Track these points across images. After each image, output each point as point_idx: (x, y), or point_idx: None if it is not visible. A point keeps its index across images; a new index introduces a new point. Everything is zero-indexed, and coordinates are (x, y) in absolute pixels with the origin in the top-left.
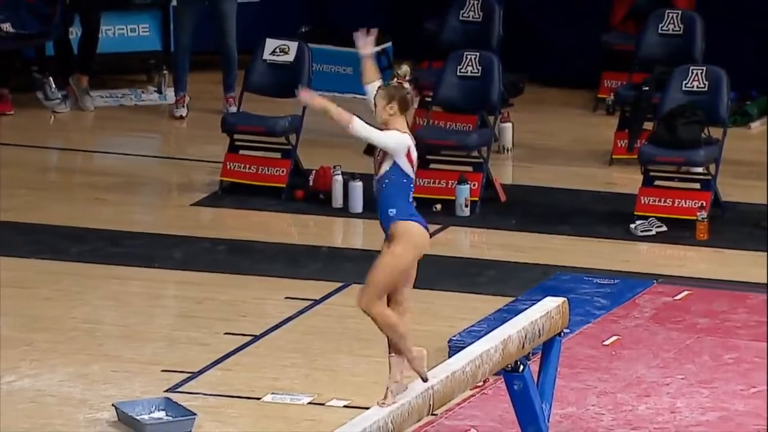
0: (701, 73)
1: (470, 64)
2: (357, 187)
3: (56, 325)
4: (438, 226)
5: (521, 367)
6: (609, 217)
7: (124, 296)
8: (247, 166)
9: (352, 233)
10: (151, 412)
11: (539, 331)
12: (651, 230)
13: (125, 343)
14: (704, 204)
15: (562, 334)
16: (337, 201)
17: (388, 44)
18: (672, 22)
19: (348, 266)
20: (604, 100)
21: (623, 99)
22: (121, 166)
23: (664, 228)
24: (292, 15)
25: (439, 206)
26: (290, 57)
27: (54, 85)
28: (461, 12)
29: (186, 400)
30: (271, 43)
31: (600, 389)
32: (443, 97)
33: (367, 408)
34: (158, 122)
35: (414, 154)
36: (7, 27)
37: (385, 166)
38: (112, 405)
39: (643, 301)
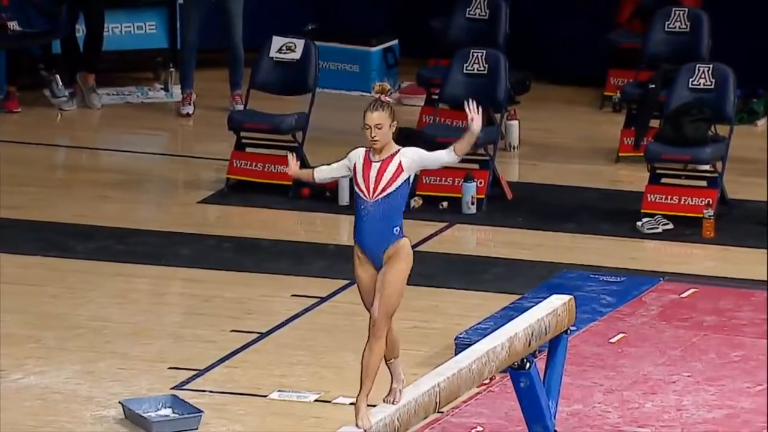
0: (708, 71)
1: (477, 61)
2: None
3: (63, 322)
4: (444, 224)
5: (528, 364)
6: (615, 214)
7: (131, 294)
8: (254, 163)
9: None
10: (158, 410)
11: (546, 329)
12: (657, 228)
13: (132, 341)
14: (711, 202)
15: (569, 331)
16: (344, 199)
17: (395, 42)
18: (678, 19)
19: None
20: (610, 98)
21: (630, 97)
22: (127, 164)
23: (671, 225)
24: (299, 12)
25: (445, 204)
26: (297, 55)
27: (61, 83)
28: (468, 10)
29: (193, 398)
30: (277, 41)
31: (606, 387)
32: (450, 95)
33: (374, 405)
34: (165, 120)
35: None
36: (13, 25)
37: (397, 182)
38: (119, 402)
39: (649, 299)
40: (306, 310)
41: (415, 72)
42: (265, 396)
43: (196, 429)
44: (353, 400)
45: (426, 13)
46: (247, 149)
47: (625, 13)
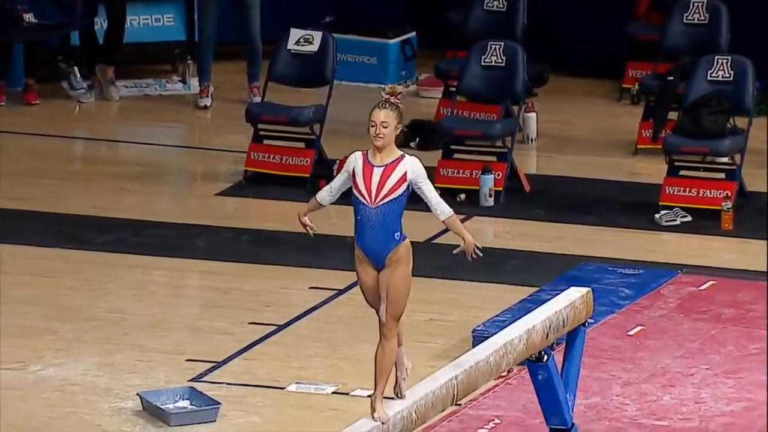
0: (726, 63)
1: (494, 54)
2: None
3: (81, 314)
4: (462, 216)
5: (545, 357)
6: (633, 207)
7: (149, 286)
8: (271, 155)
9: None
10: (176, 402)
11: (563, 321)
12: (676, 220)
13: (150, 333)
14: (729, 194)
15: (587, 324)
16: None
17: (413, 34)
18: (697, 11)
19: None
20: (628, 90)
21: (648, 89)
22: (145, 156)
23: (689, 218)
24: (317, 5)
25: (463, 196)
26: (314, 47)
27: (79, 75)
28: (485, 2)
29: (210, 390)
30: (295, 33)
31: (624, 379)
32: (467, 87)
33: (392, 398)
34: (182, 112)
35: None
36: (29, 17)
37: (400, 190)
38: (137, 394)
39: (667, 292)
40: (324, 303)
41: (433, 64)
42: (283, 388)
43: (214, 421)
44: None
45: (444, 5)
46: (265, 141)
47: (643, 5)
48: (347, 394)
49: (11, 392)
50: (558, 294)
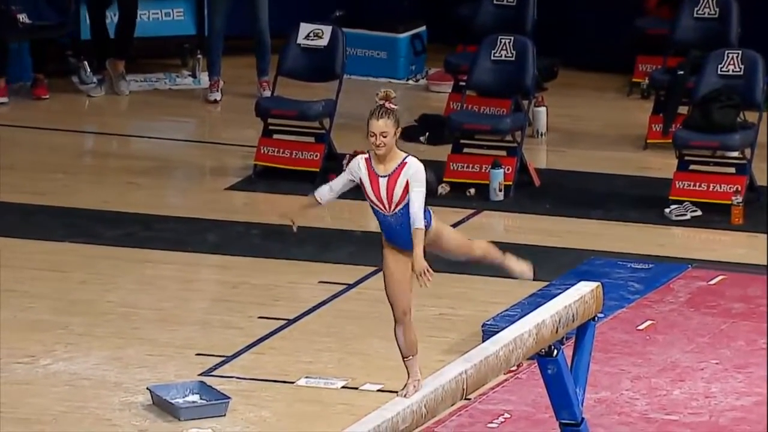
0: (737, 57)
1: (504, 48)
2: None
3: (91, 308)
4: (472, 211)
5: (555, 351)
6: (643, 201)
7: (159, 280)
8: (281, 150)
9: None
10: (186, 396)
11: (573, 316)
12: (686, 215)
13: (160, 327)
14: (739, 188)
15: (596, 318)
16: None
17: (422, 28)
18: (707, 5)
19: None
20: (638, 85)
21: (658, 83)
22: (155, 151)
23: (699, 212)
24: None
25: (473, 190)
26: (324, 41)
27: (89, 70)
28: None
29: (220, 384)
30: (305, 28)
31: (634, 374)
32: (477, 82)
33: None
34: (192, 106)
35: None
36: (23, 17)
37: (401, 196)
38: (147, 388)
39: (677, 286)
40: (333, 297)
41: (443, 58)
42: (293, 382)
43: (224, 415)
44: (380, 386)
45: None
46: (275, 136)
47: None
48: (356, 388)
49: (22, 386)
50: (568, 288)
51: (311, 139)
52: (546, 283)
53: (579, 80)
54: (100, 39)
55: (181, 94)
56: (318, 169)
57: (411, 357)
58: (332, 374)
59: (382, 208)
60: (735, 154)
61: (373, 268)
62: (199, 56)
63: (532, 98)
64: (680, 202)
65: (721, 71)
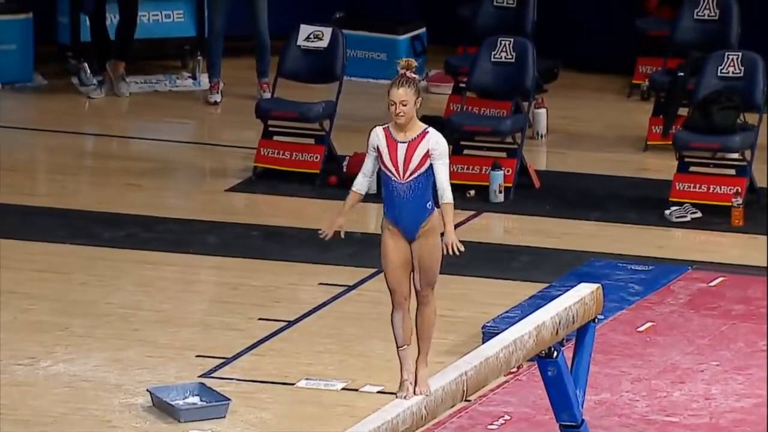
0: (737, 59)
1: (504, 49)
2: None
3: (91, 310)
4: (472, 212)
5: (555, 353)
6: (643, 203)
7: (159, 281)
8: (281, 152)
9: None
10: (186, 398)
11: (573, 318)
12: (686, 216)
13: (160, 329)
14: (739, 190)
15: (596, 320)
16: (371, 187)
17: (422, 30)
18: (707, 7)
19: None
20: (638, 86)
21: (658, 85)
22: (155, 152)
23: (699, 214)
24: (327, 1)
25: (472, 192)
26: (324, 43)
27: (89, 71)
28: None
29: (220, 386)
30: (305, 29)
31: (634, 376)
32: (477, 83)
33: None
34: (192, 108)
35: None
36: None
37: (427, 164)
38: (147, 390)
39: (677, 288)
40: (333, 299)
41: (443, 60)
42: (293, 384)
43: (224, 417)
44: (380, 388)
45: (454, 0)
46: (275, 137)
47: (653, 0)
48: (357, 390)
49: (22, 388)
50: (568, 290)
51: (311, 141)
52: (546, 285)
53: (579, 82)
54: (100, 41)
55: (181, 95)
56: (318, 171)
57: (406, 347)
58: (332, 376)
59: (396, 176)
60: (735, 155)
61: (373, 270)
62: (199, 58)
63: (532, 100)
64: (680, 204)
65: (721, 73)
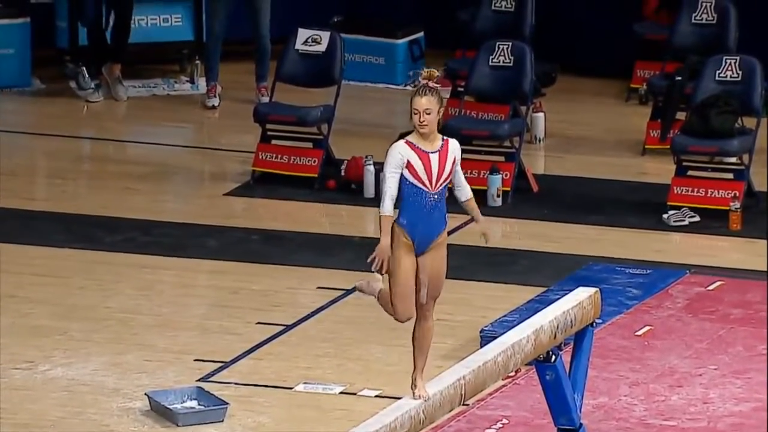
0: (735, 63)
1: (502, 53)
2: None
3: (90, 314)
4: (470, 217)
5: (553, 357)
6: (641, 207)
7: (157, 285)
8: (279, 155)
9: None
10: (184, 402)
11: (571, 322)
12: (684, 220)
13: (158, 333)
14: (737, 194)
15: (595, 324)
16: (369, 191)
17: (421, 34)
18: (705, 11)
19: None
20: (636, 90)
21: (656, 89)
22: (153, 156)
23: (697, 218)
24: (325, 4)
25: None
26: (322, 47)
27: (87, 75)
28: (493, 2)
29: (218, 390)
30: (303, 33)
31: (632, 379)
32: (475, 87)
33: (399, 398)
34: (190, 112)
35: None
36: None
37: (452, 172)
38: (145, 394)
39: (675, 292)
40: (331, 303)
41: (441, 64)
42: (291, 388)
43: (222, 421)
44: (379, 392)
45: (452, 4)
46: (273, 141)
47: (651, 4)
48: (355, 394)
49: (20, 392)
50: (566, 294)
51: (309, 145)
52: (544, 289)
53: (577, 86)
54: (97, 44)
55: (180, 99)
56: (316, 175)
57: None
58: (330, 380)
59: (428, 186)
60: (733, 159)
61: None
62: (197, 62)
63: (530, 104)
64: (678, 208)
65: (719, 77)
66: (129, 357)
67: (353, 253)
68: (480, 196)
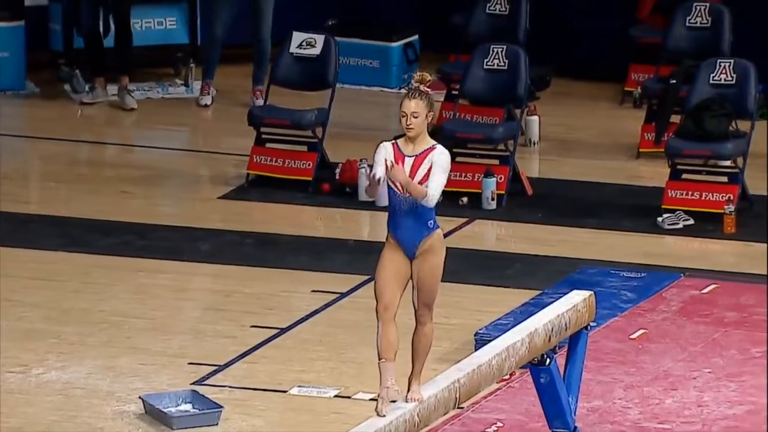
0: (729, 66)
1: (497, 57)
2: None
3: (84, 317)
4: (464, 220)
5: (548, 360)
6: (636, 210)
7: (152, 289)
8: (274, 159)
9: (378, 226)
10: (178, 405)
11: (566, 325)
12: (678, 223)
13: (153, 336)
14: (732, 197)
15: (589, 327)
16: (363, 194)
17: (415, 37)
18: (700, 14)
19: (374, 259)
20: (631, 93)
21: (650, 92)
22: (148, 160)
23: (692, 221)
24: (320, 8)
25: (465, 199)
26: (317, 50)
27: (81, 79)
28: (488, 5)
29: (212, 393)
30: (297, 36)
31: (627, 383)
32: (470, 90)
33: (394, 401)
34: (185, 115)
35: None
36: None
37: (420, 179)
38: (140, 397)
39: (670, 295)
40: (326, 306)
41: (436, 67)
42: (285, 391)
43: (216, 424)
44: (373, 395)
45: (447, 8)
46: (268, 145)
47: (646, 8)
48: (349, 397)
49: (14, 396)
50: (560, 297)
51: (304, 148)
52: (539, 292)
53: (571, 89)
54: (95, 54)
55: (174, 103)
56: (311, 178)
57: (385, 360)
58: (325, 383)
59: (400, 189)
60: (727, 163)
61: (366, 277)
62: (192, 65)
63: (525, 107)
64: (673, 211)
65: (713, 80)
66: (123, 360)
67: (348, 256)
68: (474, 199)
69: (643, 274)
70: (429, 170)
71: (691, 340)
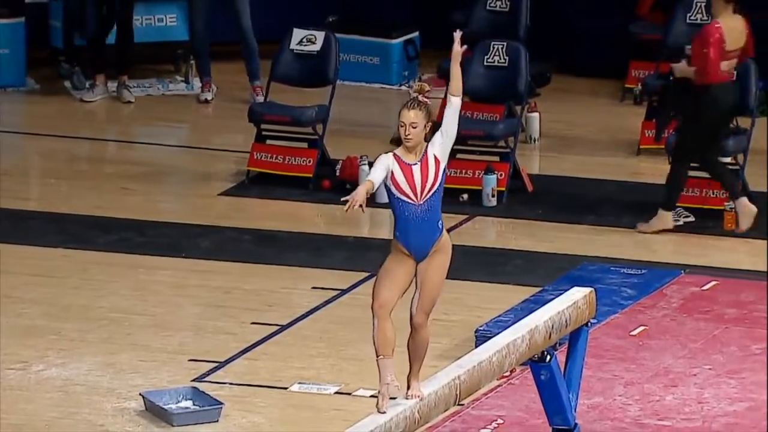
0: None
1: (497, 53)
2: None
3: (84, 314)
4: (465, 216)
5: (548, 357)
6: (636, 207)
7: (152, 286)
8: (274, 155)
9: (378, 223)
10: (178, 402)
11: (566, 321)
12: (679, 220)
13: (153, 333)
14: None
15: (589, 324)
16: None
17: (416, 34)
18: (700, 10)
19: (374, 256)
20: (631, 90)
21: (651, 88)
22: (148, 156)
23: (692, 218)
24: (320, 4)
25: (465, 196)
26: (317, 47)
27: (82, 76)
28: (488, 2)
29: (213, 390)
30: (298, 33)
31: (627, 379)
32: (470, 87)
33: (394, 398)
34: (185, 112)
35: None
36: None
37: (439, 177)
38: (140, 394)
39: (670, 292)
40: (326, 303)
41: (436, 64)
42: (286, 388)
43: (217, 421)
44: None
45: (447, 5)
46: (268, 141)
47: (646, 4)
48: (350, 394)
49: (14, 392)
50: (561, 294)
51: (304, 145)
52: (539, 289)
53: (572, 86)
54: (96, 47)
55: (174, 99)
56: (311, 175)
57: (383, 357)
58: (325, 380)
59: (414, 198)
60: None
61: (366, 274)
62: (192, 62)
63: (525, 104)
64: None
65: None
66: (123, 357)
67: (348, 253)
68: (475, 196)
69: (643, 271)
70: (435, 165)
71: (692, 337)
